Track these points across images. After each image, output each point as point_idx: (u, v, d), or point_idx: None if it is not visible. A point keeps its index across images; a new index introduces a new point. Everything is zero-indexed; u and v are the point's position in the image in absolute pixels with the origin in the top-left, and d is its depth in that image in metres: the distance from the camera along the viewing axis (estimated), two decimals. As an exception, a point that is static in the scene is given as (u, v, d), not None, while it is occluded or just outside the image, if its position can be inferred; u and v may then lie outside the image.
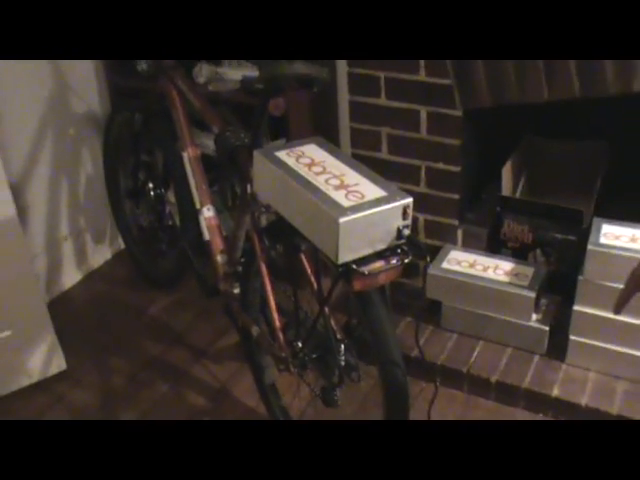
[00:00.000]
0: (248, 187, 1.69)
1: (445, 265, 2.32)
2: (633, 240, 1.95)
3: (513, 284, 2.20)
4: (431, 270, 2.29)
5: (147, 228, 2.76)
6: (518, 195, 2.47)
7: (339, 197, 1.42)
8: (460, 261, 2.33)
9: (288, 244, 1.64)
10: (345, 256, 1.39)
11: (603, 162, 2.35)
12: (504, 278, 2.23)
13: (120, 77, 2.68)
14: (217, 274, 2.03)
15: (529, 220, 2.31)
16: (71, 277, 2.83)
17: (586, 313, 2.04)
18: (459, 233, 2.41)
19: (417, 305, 2.42)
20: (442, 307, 2.33)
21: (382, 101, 2.25)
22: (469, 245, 2.41)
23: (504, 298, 2.19)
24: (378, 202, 1.41)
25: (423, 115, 2.21)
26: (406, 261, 1.43)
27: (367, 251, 1.42)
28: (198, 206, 2.03)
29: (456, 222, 2.39)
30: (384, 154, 2.34)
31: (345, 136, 2.44)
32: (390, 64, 2.17)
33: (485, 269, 2.28)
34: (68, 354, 2.36)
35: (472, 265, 2.31)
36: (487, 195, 2.50)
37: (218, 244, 2.02)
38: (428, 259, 2.23)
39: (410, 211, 1.43)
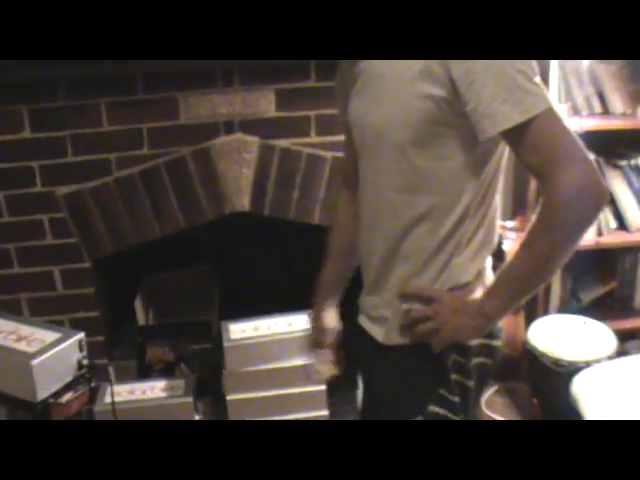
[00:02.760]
0: None
1: (107, 400, 2.56)
2: (255, 329, 2.46)
3: (171, 396, 2.54)
4: (96, 407, 2.51)
5: None
6: (152, 323, 2.84)
7: (23, 347, 1.65)
8: (120, 393, 2.59)
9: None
10: (41, 394, 1.62)
11: (215, 277, 2.87)
12: (162, 394, 2.56)
13: None
14: None
15: (167, 341, 2.69)
16: None
17: (237, 399, 2.47)
18: (111, 370, 2.68)
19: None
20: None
21: (16, 270, 2.47)
22: (122, 378, 2.69)
23: (167, 410, 2.51)
24: (58, 342, 1.68)
25: (56, 274, 2.49)
26: (92, 385, 1.70)
27: (58, 386, 1.66)
28: None
29: (106, 361, 2.66)
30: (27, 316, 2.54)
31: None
32: (20, 235, 2.42)
33: (143, 392, 2.58)
34: None
35: (131, 392, 2.59)
36: (128, 329, 2.83)
37: None
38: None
39: (84, 344, 1.72)
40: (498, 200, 1.39)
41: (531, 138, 1.18)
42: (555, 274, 1.28)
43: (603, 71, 2.60)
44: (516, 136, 1.19)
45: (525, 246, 1.24)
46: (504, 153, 1.33)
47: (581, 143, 1.19)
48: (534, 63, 1.21)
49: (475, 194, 1.31)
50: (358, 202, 1.52)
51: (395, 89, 1.29)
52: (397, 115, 1.29)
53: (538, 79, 1.19)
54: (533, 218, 1.23)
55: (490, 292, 1.29)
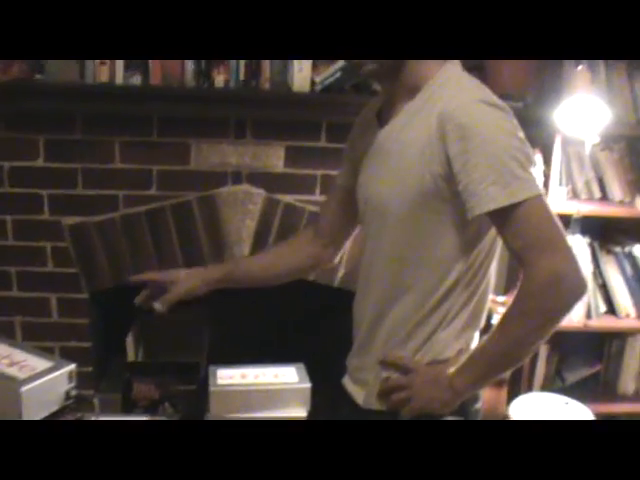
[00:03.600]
0: None
1: (88, 432, 2.58)
2: (242, 377, 2.48)
3: (151, 435, 2.56)
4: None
5: None
6: (141, 360, 2.87)
7: (14, 372, 1.68)
8: (101, 425, 2.61)
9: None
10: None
11: (208, 321, 2.90)
12: (143, 431, 2.57)
13: None
14: None
15: (154, 379, 2.71)
16: None
17: (216, 444, 2.48)
18: (95, 401, 2.70)
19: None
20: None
21: (15, 293, 2.51)
22: (106, 410, 2.70)
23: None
24: (49, 371, 1.71)
25: (53, 301, 2.53)
26: (78, 416, 1.73)
27: (44, 414, 1.69)
28: None
29: (92, 392, 2.68)
30: (19, 340, 2.57)
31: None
32: (23, 260, 2.47)
33: (124, 428, 2.60)
34: None
35: (112, 426, 2.60)
36: (117, 363, 2.85)
37: None
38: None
39: (74, 375, 1.75)
40: (490, 282, 1.43)
41: (515, 222, 1.22)
42: (528, 357, 1.31)
43: (605, 158, 2.68)
44: (501, 218, 1.24)
45: (500, 327, 1.28)
46: (498, 237, 1.37)
47: (564, 233, 1.24)
48: (530, 151, 1.26)
49: (464, 273, 1.36)
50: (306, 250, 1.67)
51: (399, 163, 1.35)
52: (398, 188, 1.34)
53: (531, 167, 1.24)
54: (510, 300, 1.27)
55: (461, 368, 1.33)
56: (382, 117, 1.44)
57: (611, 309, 2.75)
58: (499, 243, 1.39)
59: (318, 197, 2.44)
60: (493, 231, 1.35)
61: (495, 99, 1.29)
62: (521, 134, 1.26)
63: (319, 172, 2.43)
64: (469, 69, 2.44)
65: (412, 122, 1.34)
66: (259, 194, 2.44)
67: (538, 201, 1.22)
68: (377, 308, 1.43)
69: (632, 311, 2.75)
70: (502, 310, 2.47)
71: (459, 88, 1.32)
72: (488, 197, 1.22)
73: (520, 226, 1.22)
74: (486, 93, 1.31)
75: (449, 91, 1.31)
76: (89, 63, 2.29)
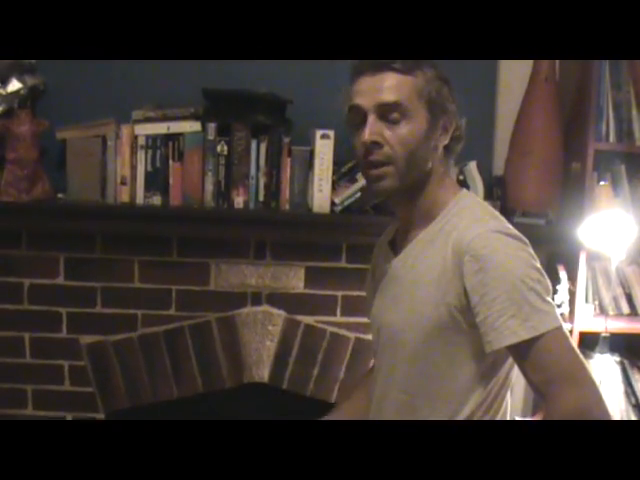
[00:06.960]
0: None
1: None
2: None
3: None
4: None
5: None
6: None
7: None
8: None
9: None
10: None
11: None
12: None
13: None
14: None
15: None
16: None
17: None
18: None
19: None
20: None
21: (29, 411, 2.46)
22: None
23: None
24: None
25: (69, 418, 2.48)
26: None
27: None
28: None
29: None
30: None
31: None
32: (39, 378, 2.44)
33: None
34: None
35: None
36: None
37: None
38: None
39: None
40: (507, 409, 1.38)
41: (536, 356, 1.20)
42: None
43: (632, 272, 2.62)
44: (521, 352, 1.21)
45: None
46: (515, 366, 1.32)
47: (586, 364, 1.21)
48: (547, 281, 1.24)
49: (480, 403, 1.32)
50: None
51: (412, 292, 1.33)
52: (411, 318, 1.32)
53: (549, 297, 1.22)
54: None
55: None
56: (396, 245, 1.43)
57: (645, 429, 2.64)
58: (515, 371, 1.34)
59: (339, 318, 2.41)
60: (510, 361, 1.31)
61: (511, 229, 1.28)
62: (538, 264, 1.25)
63: (340, 293, 2.40)
64: (491, 186, 2.45)
65: (426, 252, 1.32)
66: (279, 315, 2.41)
67: (558, 333, 1.20)
68: None
69: (668, 431, 2.64)
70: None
71: (474, 218, 1.30)
72: (508, 331, 1.19)
73: (541, 360, 1.20)
74: (501, 223, 1.30)
75: (464, 221, 1.29)
76: (110, 183, 2.31)
